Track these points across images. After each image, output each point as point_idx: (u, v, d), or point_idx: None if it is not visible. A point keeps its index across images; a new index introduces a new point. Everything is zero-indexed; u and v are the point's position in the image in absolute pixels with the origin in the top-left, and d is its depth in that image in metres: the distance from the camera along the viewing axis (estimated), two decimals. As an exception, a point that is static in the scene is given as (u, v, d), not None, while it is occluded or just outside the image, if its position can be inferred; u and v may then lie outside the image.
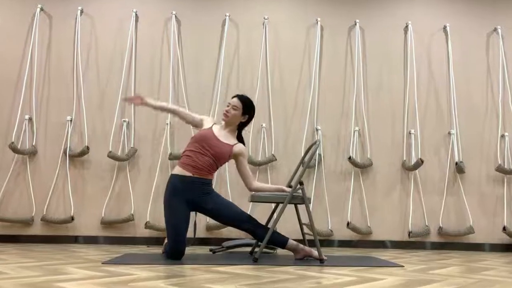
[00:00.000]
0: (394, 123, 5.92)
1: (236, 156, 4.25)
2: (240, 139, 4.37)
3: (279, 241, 4.19)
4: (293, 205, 4.46)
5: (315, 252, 4.16)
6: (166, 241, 4.25)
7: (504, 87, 5.98)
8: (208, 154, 4.14)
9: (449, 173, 5.85)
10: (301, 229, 4.57)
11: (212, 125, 4.32)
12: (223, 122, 4.32)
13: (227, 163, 4.46)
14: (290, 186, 4.34)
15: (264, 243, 4.06)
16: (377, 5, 6.08)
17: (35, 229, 5.48)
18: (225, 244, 4.85)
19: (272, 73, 5.87)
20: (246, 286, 2.80)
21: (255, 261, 3.95)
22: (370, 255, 4.80)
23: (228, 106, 4.29)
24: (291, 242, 4.19)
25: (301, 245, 4.22)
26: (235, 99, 4.29)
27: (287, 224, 5.21)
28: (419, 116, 5.89)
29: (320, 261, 4.04)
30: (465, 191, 5.82)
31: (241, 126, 4.37)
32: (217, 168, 4.26)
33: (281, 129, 5.81)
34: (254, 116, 4.39)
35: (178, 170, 4.14)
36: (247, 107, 4.29)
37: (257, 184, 4.29)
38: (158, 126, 5.69)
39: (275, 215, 4.36)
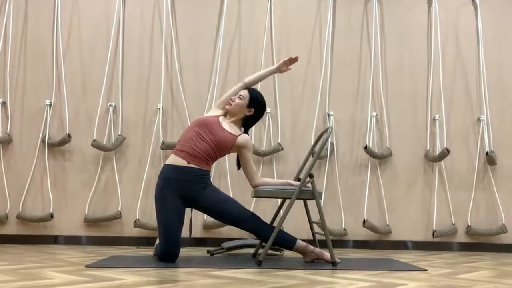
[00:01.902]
0: (416, 108, 5.89)
1: (239, 148, 4.26)
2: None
3: (286, 241, 4.19)
4: (301, 201, 4.45)
5: (326, 254, 4.15)
6: (157, 241, 4.25)
7: (542, 67, 5.97)
8: (209, 141, 4.14)
9: (478, 164, 5.83)
10: (311, 228, 4.57)
11: (220, 115, 4.38)
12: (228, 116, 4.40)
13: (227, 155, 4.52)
14: (298, 180, 4.34)
15: (269, 244, 4.06)
16: (397, -27, 6.06)
17: (9, 228, 5.47)
18: (225, 245, 4.85)
19: (278, 51, 5.84)
20: (248, 292, 2.80)
21: (259, 264, 3.95)
22: (389, 257, 4.80)
23: (235, 95, 4.38)
24: (299, 243, 4.19)
25: (311, 246, 4.22)
26: (244, 90, 4.39)
27: (295, 223, 5.21)
28: (444, 100, 5.86)
29: (333, 264, 4.04)
30: (497, 185, 5.81)
31: (247, 122, 4.40)
32: (216, 159, 4.27)
33: (288, 114, 5.79)
34: (263, 114, 4.46)
35: (171, 159, 4.16)
36: (254, 99, 4.35)
37: (261, 180, 4.30)
38: (148, 110, 5.68)
39: (281, 212, 4.36)
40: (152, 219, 5.42)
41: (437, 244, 5.72)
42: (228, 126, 4.27)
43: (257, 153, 5.55)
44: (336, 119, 5.79)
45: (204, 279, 3.21)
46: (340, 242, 5.63)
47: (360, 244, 5.70)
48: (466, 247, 5.75)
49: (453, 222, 5.74)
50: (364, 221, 5.59)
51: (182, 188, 4.08)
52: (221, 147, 4.18)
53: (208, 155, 4.14)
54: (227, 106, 4.34)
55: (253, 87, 4.50)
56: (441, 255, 5.25)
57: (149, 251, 4.86)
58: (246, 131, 4.39)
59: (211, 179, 4.36)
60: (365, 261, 4.46)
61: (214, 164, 4.41)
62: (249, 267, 3.83)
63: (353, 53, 5.93)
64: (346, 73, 5.89)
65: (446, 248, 5.74)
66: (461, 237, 5.76)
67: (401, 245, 5.73)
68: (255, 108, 4.33)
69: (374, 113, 5.82)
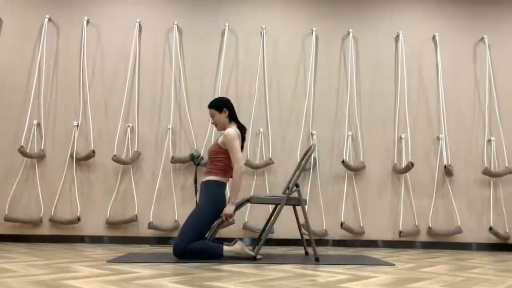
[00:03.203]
0: (385, 129, 5.91)
1: (224, 144, 4.19)
2: (241, 127, 4.33)
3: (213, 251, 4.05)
4: (291, 207, 4.47)
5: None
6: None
7: (491, 94, 6.00)
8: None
9: (438, 175, 5.85)
10: (299, 229, 4.57)
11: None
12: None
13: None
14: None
15: (263, 242, 4.06)
16: (369, 15, 6.10)
17: (43, 229, 5.48)
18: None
19: (269, 81, 5.87)
20: (245, 283, 2.80)
21: (255, 259, 3.96)
22: (362, 254, 4.80)
23: (212, 123, 4.36)
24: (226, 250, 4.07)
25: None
26: (208, 110, 4.33)
27: (286, 225, 5.23)
28: (409, 121, 5.89)
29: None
30: (454, 192, 5.83)
31: (232, 117, 4.33)
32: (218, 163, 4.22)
33: (278, 133, 5.81)
34: (230, 102, 4.35)
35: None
36: (217, 105, 4.30)
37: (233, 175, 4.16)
38: (160, 130, 5.70)
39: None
40: (163, 221, 5.45)
41: (403, 243, 5.74)
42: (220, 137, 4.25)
43: (251, 166, 5.57)
44: (318, 138, 5.81)
45: (209, 273, 3.22)
46: (322, 241, 5.64)
47: (338, 243, 5.70)
48: (427, 246, 5.77)
49: (416, 224, 5.76)
50: (341, 223, 5.60)
51: None
52: (210, 154, 4.25)
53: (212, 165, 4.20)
54: (218, 129, 4.34)
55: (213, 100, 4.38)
56: (406, 252, 5.26)
57: (161, 249, 4.86)
58: (237, 123, 4.32)
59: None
60: (342, 257, 4.47)
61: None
62: (247, 262, 3.84)
63: (332, 82, 5.96)
64: (326, 100, 5.92)
65: (410, 246, 5.75)
66: (423, 237, 5.78)
67: (372, 244, 5.74)
68: (224, 107, 4.29)
69: (350, 133, 5.85)
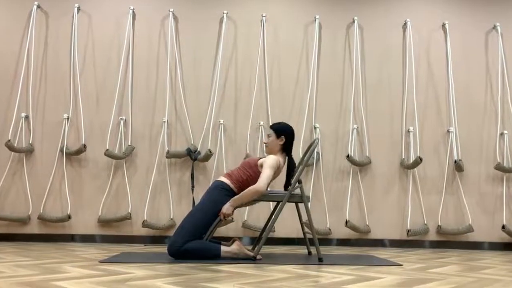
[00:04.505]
0: (393, 121, 5.90)
1: (260, 165, 4.25)
2: (290, 163, 4.38)
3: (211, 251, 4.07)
4: (294, 204, 4.47)
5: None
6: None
7: (504, 84, 5.98)
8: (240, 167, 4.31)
9: (448, 171, 5.84)
10: (302, 227, 4.57)
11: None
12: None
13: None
14: (289, 185, 4.35)
15: (263, 242, 4.06)
16: (375, 2, 6.07)
17: (32, 227, 5.47)
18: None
19: (270, 71, 5.86)
20: (244, 285, 2.79)
21: (255, 259, 3.95)
22: (368, 254, 4.80)
23: (265, 142, 4.44)
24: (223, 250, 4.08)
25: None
26: (269, 130, 4.41)
27: (288, 223, 5.22)
28: (417, 114, 5.87)
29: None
30: (464, 189, 5.82)
31: (285, 149, 4.36)
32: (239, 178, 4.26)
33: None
34: (293, 134, 4.39)
35: None
36: (278, 129, 4.35)
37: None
38: (155, 123, 5.68)
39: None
40: (157, 220, 5.45)
41: (411, 242, 5.73)
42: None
43: (251, 161, 5.55)
44: (322, 131, 5.80)
45: (205, 273, 3.22)
46: (325, 240, 5.64)
47: (342, 242, 5.70)
48: (436, 245, 5.76)
49: (425, 222, 5.75)
50: (346, 222, 5.60)
51: None
52: (244, 165, 4.29)
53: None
54: (266, 150, 4.39)
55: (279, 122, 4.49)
56: (415, 251, 5.26)
57: (156, 248, 4.85)
58: (289, 155, 4.38)
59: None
60: (347, 257, 4.46)
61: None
62: (246, 262, 3.84)
63: (336, 72, 5.94)
64: (330, 90, 5.90)
65: (419, 245, 5.75)
66: (432, 236, 5.77)
67: (379, 243, 5.74)
68: (283, 134, 4.33)
69: (355, 126, 5.84)
